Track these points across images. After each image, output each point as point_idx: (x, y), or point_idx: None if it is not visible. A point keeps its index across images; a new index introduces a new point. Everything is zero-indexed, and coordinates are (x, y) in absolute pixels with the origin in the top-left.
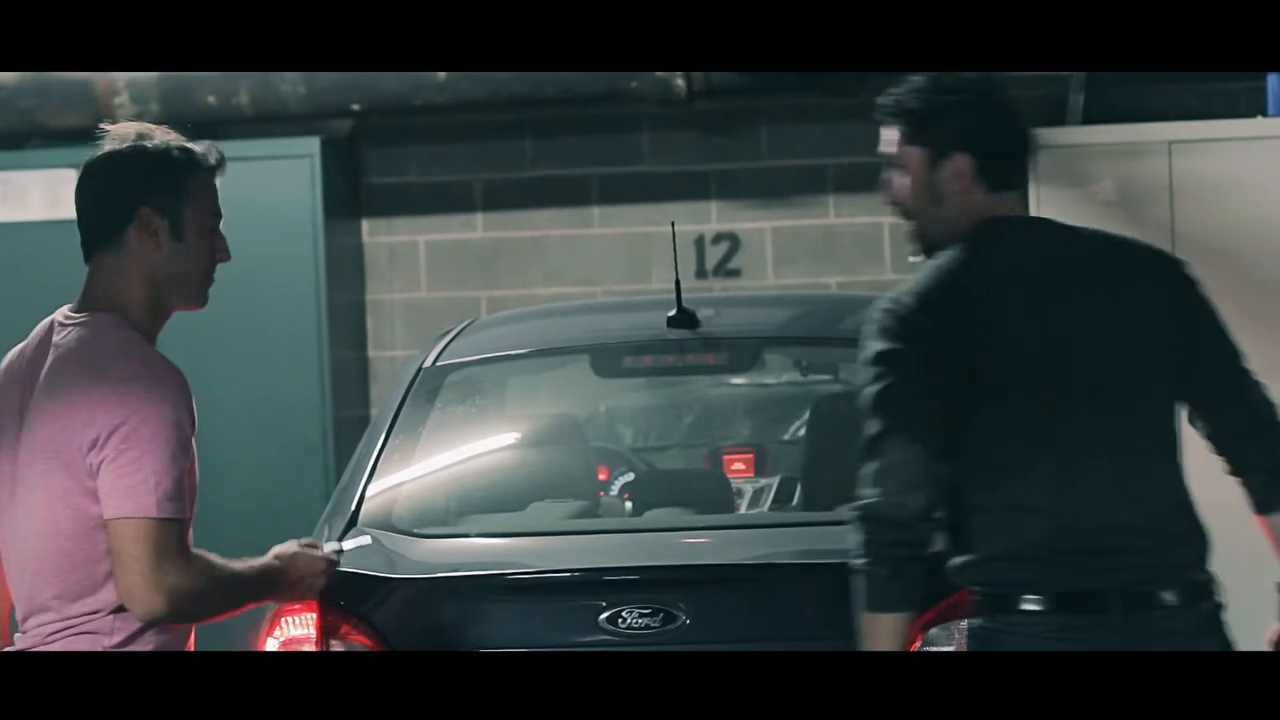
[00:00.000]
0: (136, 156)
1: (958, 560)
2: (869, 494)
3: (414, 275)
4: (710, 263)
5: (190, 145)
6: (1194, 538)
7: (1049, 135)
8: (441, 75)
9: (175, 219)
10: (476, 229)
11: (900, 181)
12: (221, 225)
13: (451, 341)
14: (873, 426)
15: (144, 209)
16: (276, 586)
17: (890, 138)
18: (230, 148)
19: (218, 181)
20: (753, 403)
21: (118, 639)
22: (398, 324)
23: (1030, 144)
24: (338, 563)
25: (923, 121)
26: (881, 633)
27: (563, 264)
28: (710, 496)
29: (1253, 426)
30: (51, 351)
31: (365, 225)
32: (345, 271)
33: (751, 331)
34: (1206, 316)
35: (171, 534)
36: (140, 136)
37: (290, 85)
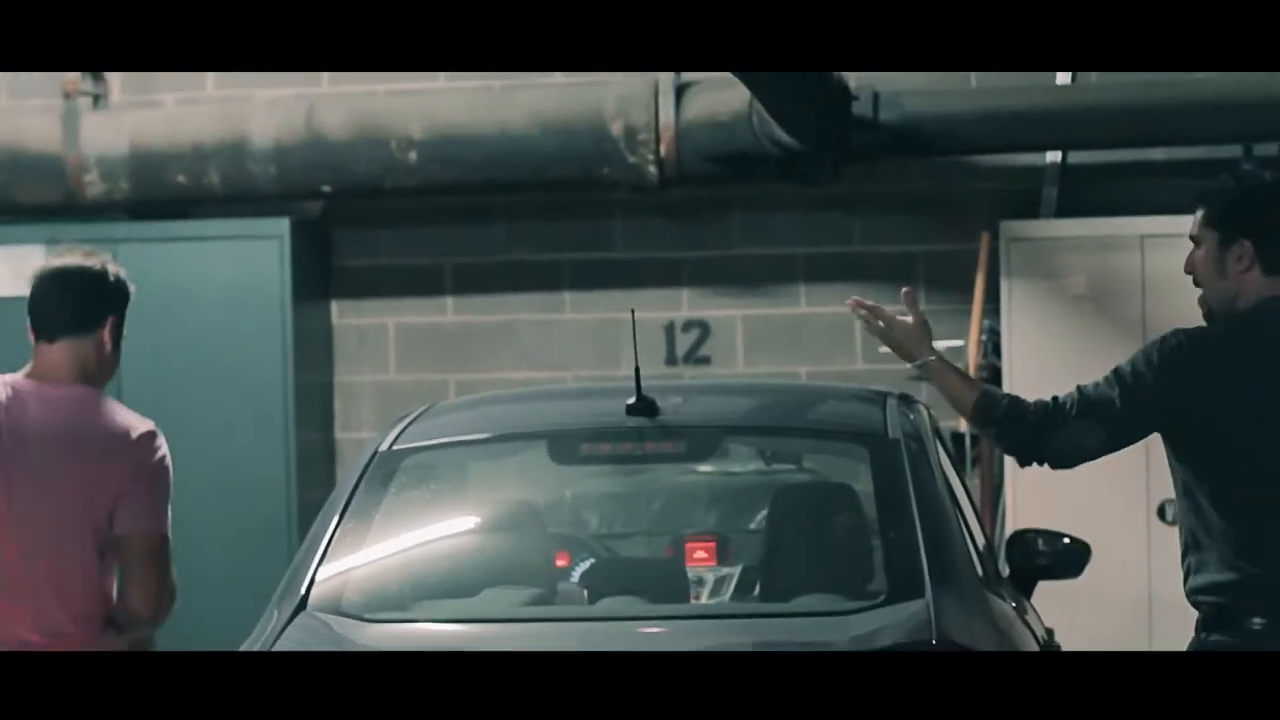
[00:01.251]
0: (109, 276)
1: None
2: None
3: (383, 357)
4: (680, 350)
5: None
6: None
7: (1021, 228)
8: (413, 157)
9: (118, 327)
10: (447, 312)
11: (1196, 255)
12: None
13: (409, 426)
14: (1100, 389)
15: (112, 317)
16: None
17: (1196, 219)
18: (199, 227)
19: None
20: (718, 491)
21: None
22: (365, 406)
23: None
24: None
25: (1220, 210)
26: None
27: (533, 348)
28: (666, 586)
29: None
30: (40, 415)
31: (335, 306)
32: (314, 352)
33: (712, 420)
34: None
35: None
36: (105, 262)
37: (261, 166)
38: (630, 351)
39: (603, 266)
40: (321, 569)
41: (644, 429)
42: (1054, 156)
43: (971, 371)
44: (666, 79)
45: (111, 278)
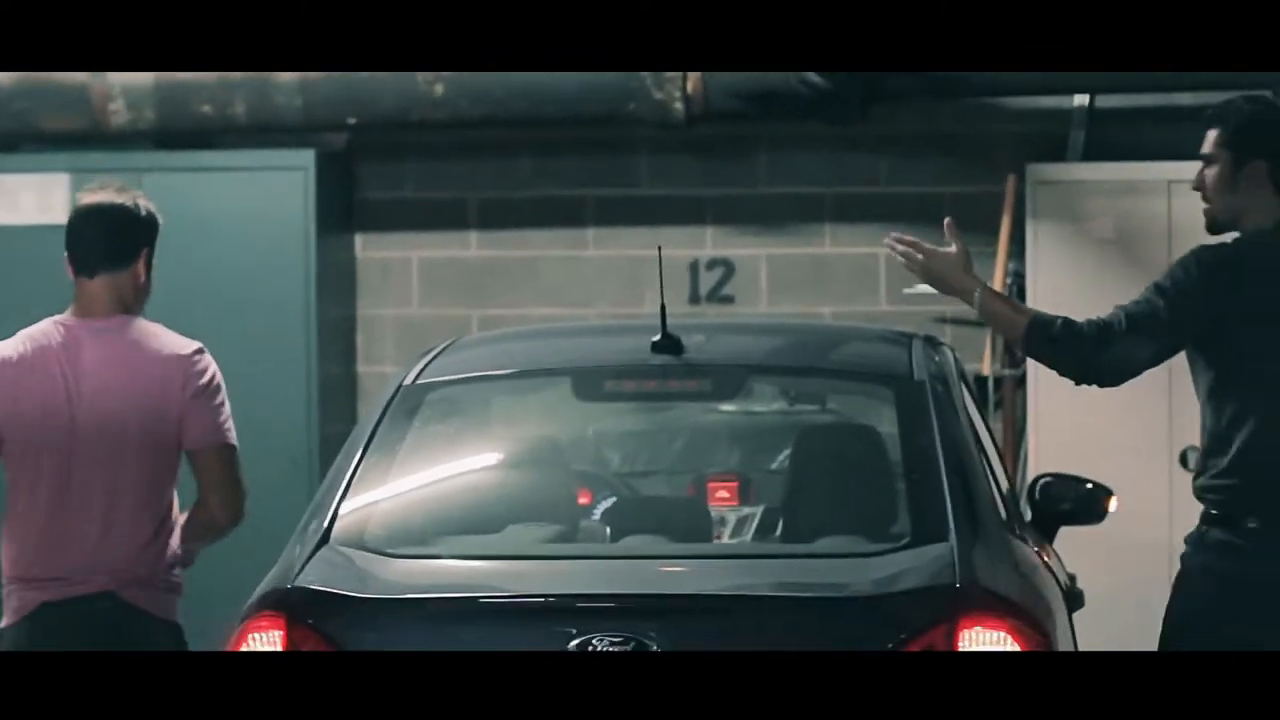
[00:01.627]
0: (141, 210)
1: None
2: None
3: (406, 291)
4: (704, 288)
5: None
6: None
7: (1047, 171)
8: (439, 90)
9: (150, 257)
10: (470, 247)
11: (1209, 173)
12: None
13: (433, 360)
14: (1143, 304)
15: (146, 249)
16: None
17: (1210, 138)
18: (224, 158)
19: None
20: (740, 431)
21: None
22: (388, 340)
23: None
24: None
25: (1236, 130)
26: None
27: (556, 285)
28: (689, 525)
29: None
30: (93, 348)
31: (359, 240)
32: (337, 286)
33: (736, 359)
34: None
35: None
36: (135, 199)
37: (286, 97)
38: (654, 288)
39: (627, 203)
40: (345, 503)
41: (668, 367)
42: (1081, 100)
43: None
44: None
45: (144, 212)
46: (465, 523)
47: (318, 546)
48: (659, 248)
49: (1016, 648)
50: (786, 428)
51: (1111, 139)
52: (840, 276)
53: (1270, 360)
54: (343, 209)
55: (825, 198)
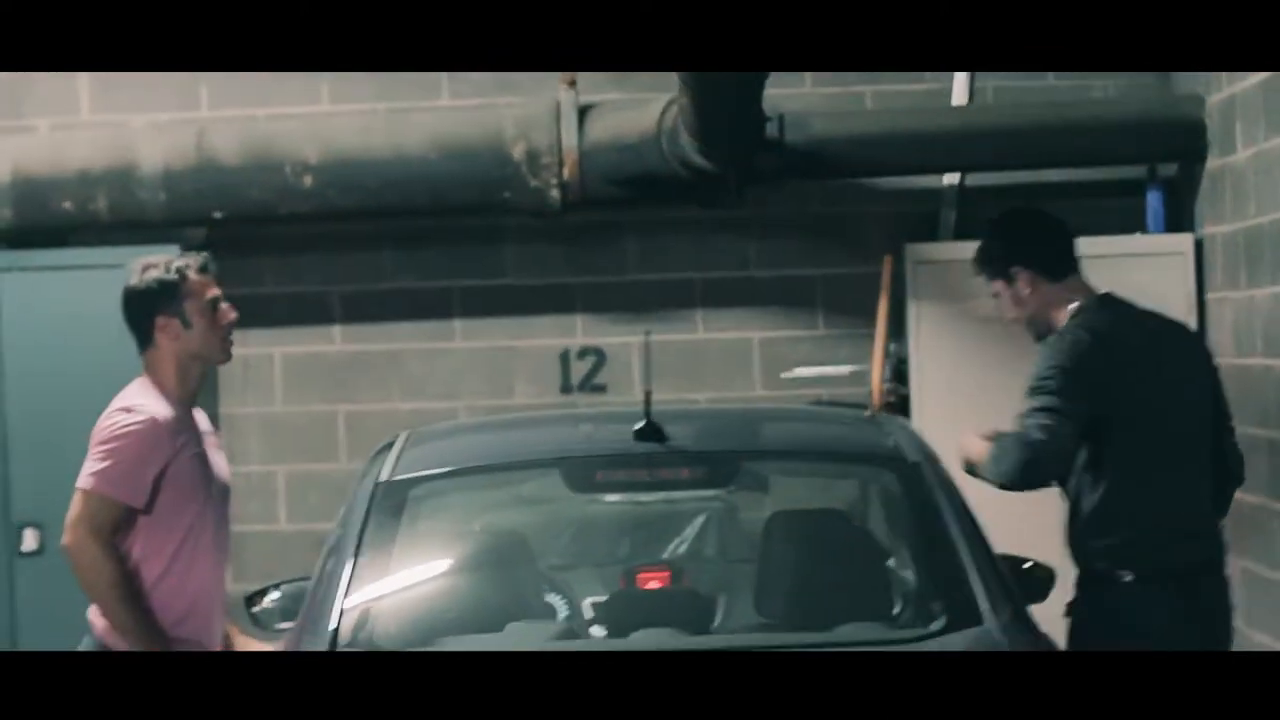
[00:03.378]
0: (145, 283)
1: (1097, 543)
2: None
3: (269, 388)
4: (576, 378)
5: (176, 261)
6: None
7: (926, 250)
8: (308, 181)
9: (180, 315)
10: (334, 341)
11: (1003, 305)
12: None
13: (402, 455)
14: (1045, 400)
15: (159, 317)
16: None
17: (988, 283)
18: (86, 255)
19: (207, 276)
20: (627, 521)
21: None
22: (252, 438)
23: (1070, 235)
24: None
25: (987, 259)
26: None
27: (423, 378)
28: (691, 616)
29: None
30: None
31: None
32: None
33: (729, 445)
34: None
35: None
36: (145, 269)
37: (150, 192)
38: (523, 380)
39: (494, 293)
40: (347, 605)
41: (659, 455)
42: (951, 179)
43: (876, 399)
44: (568, 99)
45: (148, 281)
46: (466, 622)
47: (331, 646)
48: (647, 332)
49: None
50: (674, 515)
51: (982, 217)
52: (714, 361)
53: (1136, 432)
54: None
55: (695, 283)
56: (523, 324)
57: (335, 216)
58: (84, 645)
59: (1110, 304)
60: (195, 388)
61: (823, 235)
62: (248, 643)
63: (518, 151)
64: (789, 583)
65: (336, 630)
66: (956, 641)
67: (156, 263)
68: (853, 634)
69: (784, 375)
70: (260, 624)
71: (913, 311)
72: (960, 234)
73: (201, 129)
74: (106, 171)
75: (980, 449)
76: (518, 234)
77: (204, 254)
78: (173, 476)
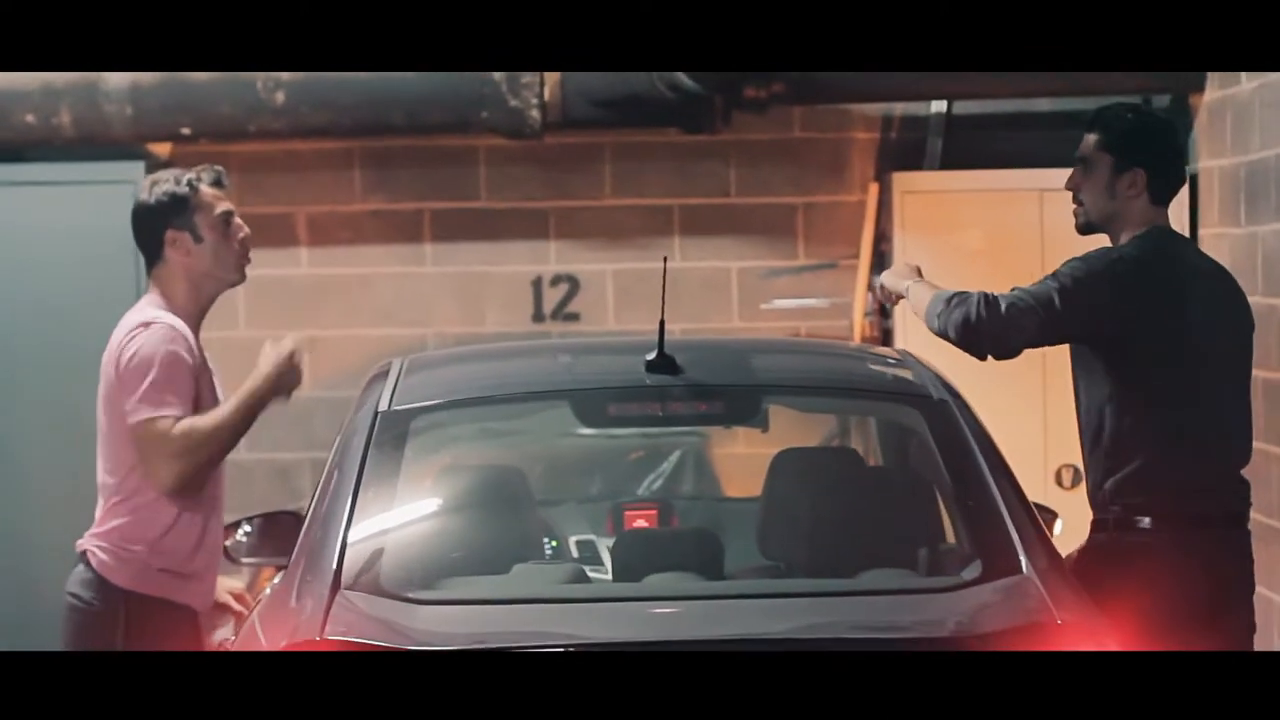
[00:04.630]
0: (155, 197)
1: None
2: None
3: (232, 312)
4: (548, 306)
5: (187, 174)
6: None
7: (914, 180)
8: (280, 98)
9: (191, 229)
10: (301, 265)
11: (1085, 175)
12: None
13: (399, 383)
14: (1038, 299)
15: (169, 231)
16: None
17: (1089, 141)
18: (47, 171)
19: (219, 190)
20: (601, 456)
21: None
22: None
23: (1185, 178)
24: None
25: (1119, 136)
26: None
27: (392, 304)
28: (706, 559)
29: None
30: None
31: None
32: None
33: (749, 380)
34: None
35: None
36: (154, 184)
37: (116, 105)
38: (496, 306)
39: (466, 216)
40: (350, 544)
41: (676, 388)
42: (938, 106)
43: (857, 333)
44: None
45: (155, 196)
46: (473, 563)
47: (333, 591)
48: (665, 258)
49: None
50: (650, 451)
51: (968, 146)
52: (691, 292)
53: (1169, 370)
54: None
55: (674, 209)
56: (495, 249)
57: (308, 134)
58: (75, 576)
59: (1169, 237)
60: (206, 308)
61: (804, 162)
62: (227, 584)
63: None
64: (804, 526)
65: (339, 570)
66: (995, 590)
67: (166, 176)
68: (879, 580)
69: (764, 306)
70: (229, 556)
71: (898, 242)
72: (946, 164)
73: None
74: (70, 84)
75: (927, 290)
76: (491, 156)
77: (217, 168)
78: (196, 397)
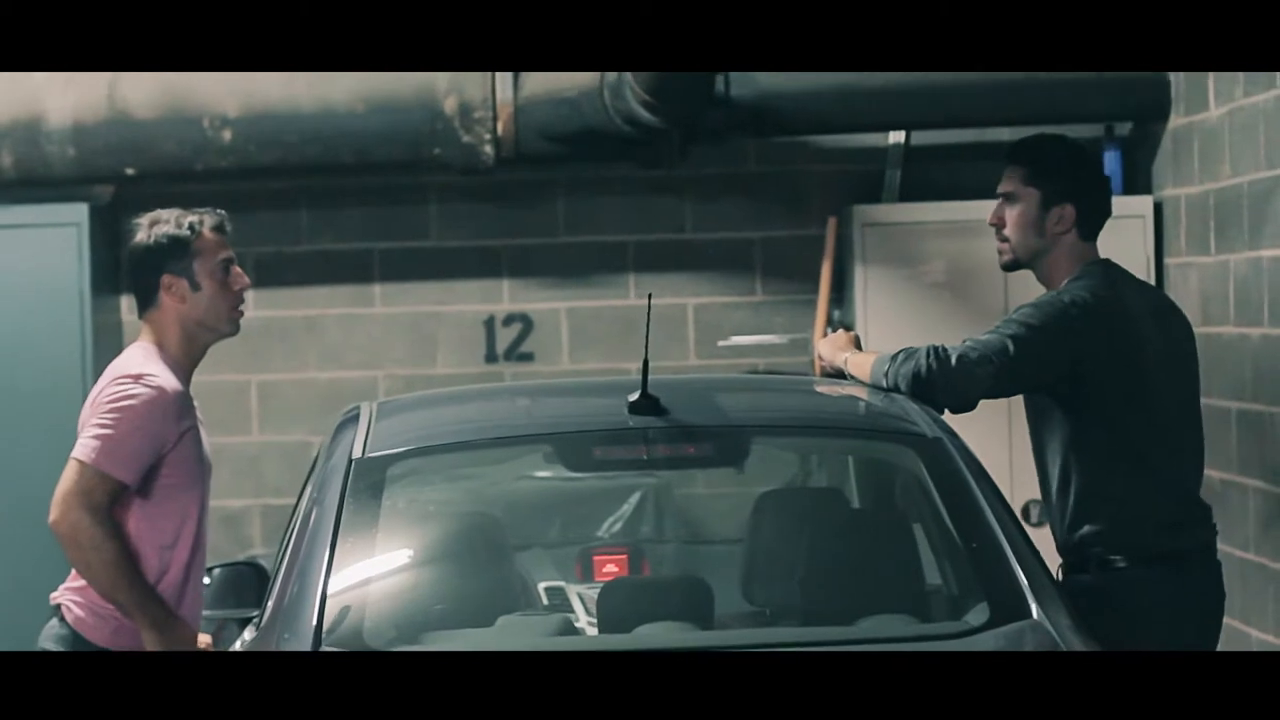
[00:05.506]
0: (154, 239)
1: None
2: (956, 350)
3: None
4: (501, 346)
5: (189, 216)
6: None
7: (875, 212)
8: (227, 137)
9: (189, 276)
10: (247, 307)
11: (1011, 211)
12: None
13: (371, 428)
14: (991, 348)
15: (165, 276)
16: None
17: (1014, 175)
18: None
19: (221, 236)
20: (558, 498)
21: None
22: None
23: (1111, 211)
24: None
25: (1046, 171)
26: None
27: (340, 346)
28: (697, 608)
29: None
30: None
31: (125, 302)
32: (109, 351)
33: (738, 420)
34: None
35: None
36: (153, 224)
37: (58, 146)
38: (446, 347)
39: (416, 255)
40: (329, 596)
41: (663, 430)
42: (897, 137)
43: (817, 367)
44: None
45: (155, 238)
46: (457, 615)
47: (315, 642)
48: (649, 296)
49: None
50: (609, 492)
51: (928, 178)
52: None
53: (1131, 410)
54: (110, 268)
55: (629, 246)
56: (446, 289)
57: (255, 173)
58: (49, 631)
59: (1112, 272)
60: (199, 358)
61: (760, 196)
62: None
63: (449, 105)
64: (798, 570)
65: (319, 625)
66: (1007, 636)
67: (167, 218)
68: (880, 628)
69: (721, 343)
70: None
71: (859, 276)
72: (905, 196)
73: (113, 80)
74: (12, 124)
75: (866, 357)
76: (441, 193)
77: (220, 212)
78: (176, 457)
